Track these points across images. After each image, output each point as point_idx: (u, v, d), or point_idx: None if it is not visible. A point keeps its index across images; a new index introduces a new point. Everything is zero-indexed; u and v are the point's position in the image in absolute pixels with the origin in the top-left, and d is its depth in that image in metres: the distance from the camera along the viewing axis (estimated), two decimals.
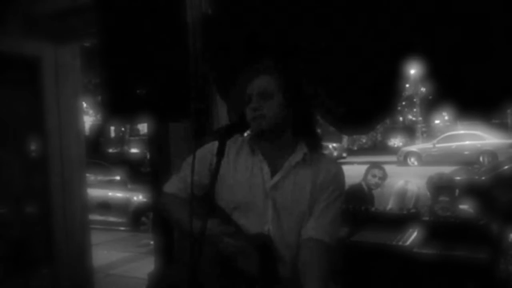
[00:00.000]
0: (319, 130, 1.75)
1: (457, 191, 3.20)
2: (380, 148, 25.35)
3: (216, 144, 1.51)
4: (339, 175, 1.65)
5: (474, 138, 16.53)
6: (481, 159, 15.43)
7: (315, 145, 1.65)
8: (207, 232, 1.34)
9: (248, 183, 1.61)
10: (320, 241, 1.54)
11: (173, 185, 1.74)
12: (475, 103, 2.14)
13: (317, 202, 1.58)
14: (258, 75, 1.62)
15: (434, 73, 2.18)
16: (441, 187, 3.14)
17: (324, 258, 1.52)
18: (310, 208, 1.58)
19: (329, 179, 1.61)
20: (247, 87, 1.62)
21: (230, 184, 1.61)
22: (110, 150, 19.24)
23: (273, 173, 1.61)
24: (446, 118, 21.13)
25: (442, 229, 2.69)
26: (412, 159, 17.73)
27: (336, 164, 1.69)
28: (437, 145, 17.53)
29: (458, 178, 6.94)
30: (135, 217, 8.07)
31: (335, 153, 19.46)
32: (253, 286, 1.49)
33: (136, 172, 10.60)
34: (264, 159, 1.62)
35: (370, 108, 2.37)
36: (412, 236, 2.69)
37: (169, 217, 1.76)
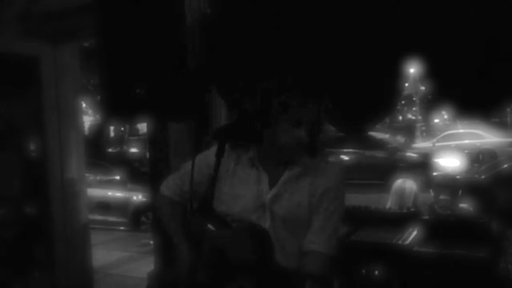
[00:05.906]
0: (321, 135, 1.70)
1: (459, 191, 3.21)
2: None
3: (213, 150, 1.49)
4: (339, 184, 1.58)
5: (474, 136, 16.51)
6: (480, 157, 15.42)
7: (315, 150, 1.59)
8: None
9: (246, 196, 1.56)
10: (322, 254, 1.51)
11: (169, 188, 1.72)
12: (474, 102, 2.14)
13: (317, 212, 1.53)
14: (308, 103, 1.49)
15: (434, 72, 2.18)
16: (444, 186, 3.15)
17: (325, 269, 1.52)
18: (310, 218, 1.54)
19: (329, 189, 1.55)
20: (289, 107, 1.47)
21: (227, 198, 1.57)
22: (110, 150, 19.23)
23: (272, 183, 1.56)
24: (446, 117, 21.11)
25: (442, 227, 2.69)
26: None
27: (336, 171, 1.61)
28: (437, 144, 17.53)
29: (458, 177, 6.95)
30: (135, 217, 8.07)
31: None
32: (250, 275, 1.44)
33: (135, 172, 10.61)
34: (263, 170, 1.57)
35: (369, 107, 2.37)
36: (412, 235, 2.69)
37: (163, 222, 1.73)
